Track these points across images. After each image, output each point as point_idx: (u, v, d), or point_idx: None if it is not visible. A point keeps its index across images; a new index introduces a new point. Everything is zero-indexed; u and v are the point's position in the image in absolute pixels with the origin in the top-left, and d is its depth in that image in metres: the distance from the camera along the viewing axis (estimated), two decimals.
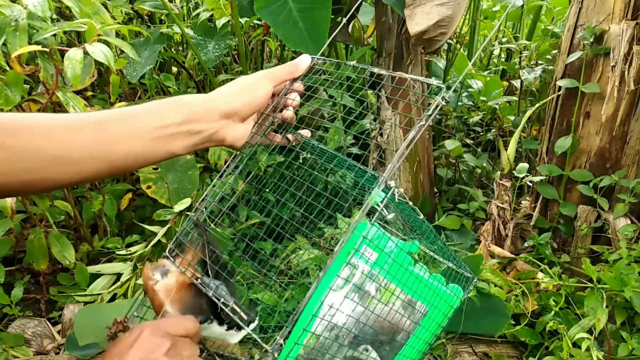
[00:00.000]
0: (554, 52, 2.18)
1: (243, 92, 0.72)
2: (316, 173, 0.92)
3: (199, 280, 0.71)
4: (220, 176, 0.82)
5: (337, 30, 0.98)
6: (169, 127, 0.66)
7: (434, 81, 0.69)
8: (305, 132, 0.82)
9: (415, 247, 0.78)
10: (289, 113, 0.78)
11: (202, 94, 0.72)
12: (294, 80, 0.79)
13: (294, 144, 0.81)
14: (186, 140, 0.68)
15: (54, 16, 1.68)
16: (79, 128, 0.61)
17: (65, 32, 1.58)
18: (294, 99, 0.79)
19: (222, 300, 0.68)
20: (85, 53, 1.30)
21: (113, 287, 1.51)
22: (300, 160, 0.82)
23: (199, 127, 0.68)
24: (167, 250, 0.79)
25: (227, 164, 0.82)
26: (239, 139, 0.74)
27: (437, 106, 0.66)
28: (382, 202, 0.68)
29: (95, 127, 0.62)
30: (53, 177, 0.60)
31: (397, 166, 0.70)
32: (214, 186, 0.83)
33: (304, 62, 0.80)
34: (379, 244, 0.74)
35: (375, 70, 0.79)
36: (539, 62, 2.25)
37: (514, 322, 1.45)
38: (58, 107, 1.70)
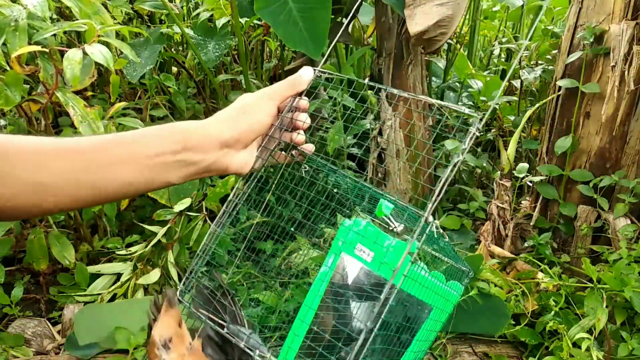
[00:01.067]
0: (554, 52, 2.18)
1: (243, 117, 0.67)
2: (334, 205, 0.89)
3: (226, 329, 0.68)
4: (218, 225, 0.78)
5: (339, 32, 0.95)
6: (161, 156, 0.61)
7: (466, 110, 0.66)
8: (309, 147, 0.76)
9: (413, 246, 0.78)
10: (300, 138, 0.74)
11: (200, 120, 0.66)
12: (299, 95, 0.74)
13: (298, 160, 0.77)
14: (182, 170, 0.63)
15: (54, 16, 1.68)
16: (65, 153, 0.57)
17: (65, 32, 1.58)
18: (304, 120, 0.74)
19: (257, 352, 0.65)
20: (85, 53, 1.30)
21: (113, 287, 1.51)
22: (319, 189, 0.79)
23: (196, 158, 0.63)
24: (179, 293, 0.76)
25: (222, 212, 0.77)
26: (243, 166, 0.70)
27: (471, 137, 0.63)
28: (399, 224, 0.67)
29: (82, 153, 0.57)
30: (29, 204, 0.55)
31: (436, 204, 0.68)
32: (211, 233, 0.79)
33: (305, 75, 0.74)
34: (376, 241, 0.74)
35: (405, 94, 0.73)
36: (539, 62, 2.25)
37: (514, 322, 1.44)
38: (58, 107, 1.70)
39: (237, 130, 0.66)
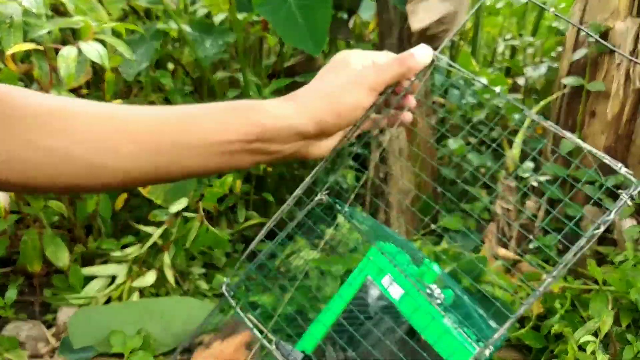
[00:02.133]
0: (559, 49, 2.15)
1: (333, 107, 0.57)
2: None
3: (274, 344, 0.63)
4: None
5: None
6: (235, 143, 0.54)
7: (623, 169, 0.54)
8: (407, 117, 0.67)
9: (450, 296, 0.72)
10: (408, 116, 0.66)
11: (280, 99, 0.58)
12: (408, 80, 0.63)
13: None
14: (256, 157, 0.57)
15: (49, 12, 1.66)
16: (131, 133, 0.50)
17: (60, 29, 1.56)
18: (411, 106, 0.65)
19: None
20: (80, 51, 1.28)
21: (108, 289, 1.48)
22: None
23: (272, 148, 0.57)
24: (225, 286, 0.70)
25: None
26: (324, 153, 0.63)
27: (621, 206, 0.52)
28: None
29: (150, 135, 0.51)
30: (91, 184, 0.50)
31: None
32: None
33: (420, 57, 0.63)
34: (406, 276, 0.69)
35: (535, 118, 0.64)
36: (544, 59, 2.23)
37: (518, 325, 1.42)
38: None
39: (322, 124, 0.58)
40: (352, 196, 0.69)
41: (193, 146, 0.53)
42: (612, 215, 0.51)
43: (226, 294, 0.67)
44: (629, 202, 0.51)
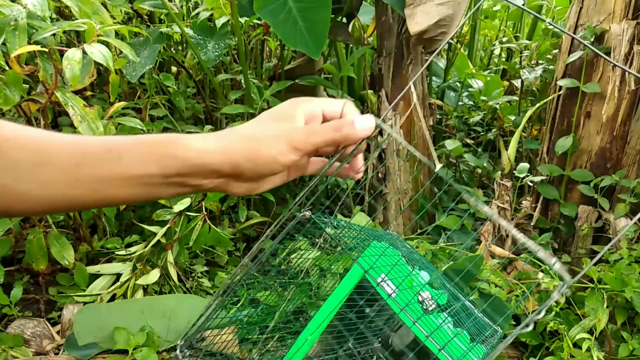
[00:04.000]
0: (555, 51, 2.17)
1: (250, 154, 0.57)
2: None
3: None
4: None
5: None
6: (154, 177, 0.55)
7: (558, 265, 0.54)
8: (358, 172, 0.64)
9: (443, 298, 0.74)
10: (357, 175, 0.64)
11: (207, 135, 0.57)
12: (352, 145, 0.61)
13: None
14: (177, 190, 0.57)
15: (53, 15, 1.68)
16: (54, 164, 0.52)
17: (64, 32, 1.58)
18: (358, 171, 0.63)
19: None
20: (84, 53, 1.30)
21: (112, 287, 1.50)
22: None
23: (193, 182, 0.57)
24: (179, 348, 0.69)
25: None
26: (250, 191, 0.61)
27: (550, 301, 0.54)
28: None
29: (73, 167, 0.52)
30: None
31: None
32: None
33: (360, 126, 0.60)
34: (399, 277, 0.71)
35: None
36: (540, 61, 2.25)
37: (514, 323, 1.44)
38: (57, 107, 1.70)
39: (238, 168, 0.57)
40: (349, 201, 0.70)
41: (113, 178, 0.54)
42: (541, 315, 0.53)
43: (179, 356, 0.65)
44: (561, 300, 0.52)
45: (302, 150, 0.58)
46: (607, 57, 0.58)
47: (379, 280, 0.70)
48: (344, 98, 1.96)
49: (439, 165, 0.59)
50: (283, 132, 0.58)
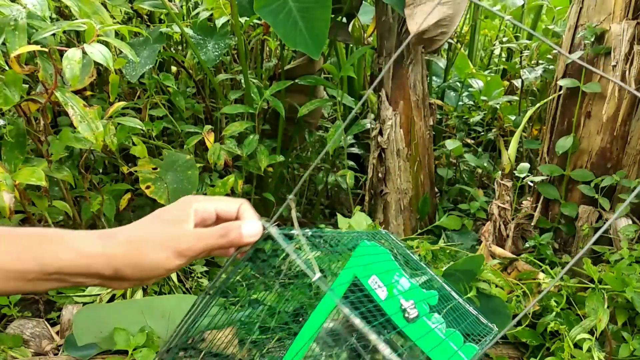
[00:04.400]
0: (555, 51, 2.17)
1: (134, 261, 0.56)
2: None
3: None
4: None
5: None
6: (31, 273, 0.53)
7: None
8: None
9: (434, 298, 0.73)
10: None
11: (94, 234, 0.57)
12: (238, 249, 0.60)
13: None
14: (56, 284, 0.56)
15: (53, 15, 1.68)
16: None
17: (64, 32, 1.57)
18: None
19: None
20: (84, 53, 1.29)
21: None
22: None
23: (74, 280, 0.56)
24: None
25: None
26: (140, 283, 0.60)
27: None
28: None
29: None
30: None
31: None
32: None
33: (247, 232, 0.59)
34: (390, 279, 0.70)
35: None
36: (540, 61, 2.25)
37: (515, 323, 1.44)
38: (57, 107, 1.69)
39: (120, 273, 0.56)
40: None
41: None
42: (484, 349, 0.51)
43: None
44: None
45: (188, 256, 0.57)
46: (606, 75, 0.58)
47: (371, 282, 0.70)
48: (343, 98, 1.97)
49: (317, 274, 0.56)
50: (170, 237, 0.57)
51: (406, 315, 0.68)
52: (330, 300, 0.72)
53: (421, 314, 0.69)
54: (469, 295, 1.38)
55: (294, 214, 0.57)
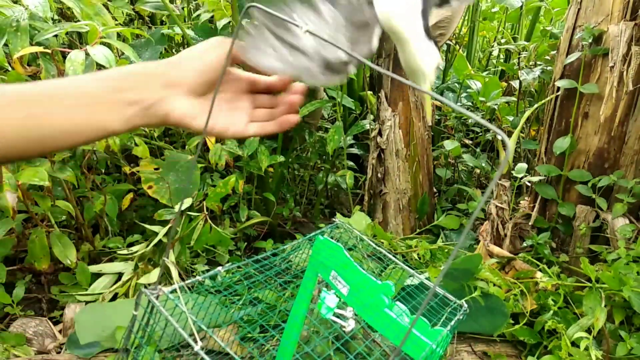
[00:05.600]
0: (553, 52, 2.19)
1: (191, 59, 0.61)
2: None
3: None
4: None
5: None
6: (99, 96, 0.57)
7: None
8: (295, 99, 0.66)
9: (389, 289, 0.74)
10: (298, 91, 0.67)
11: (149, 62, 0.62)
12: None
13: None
14: (122, 111, 0.58)
15: (55, 17, 1.69)
16: (12, 102, 0.53)
17: (66, 33, 1.59)
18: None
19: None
20: (87, 55, 1.31)
21: (114, 286, 1.51)
22: None
23: (135, 97, 0.58)
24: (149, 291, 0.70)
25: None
26: (187, 114, 0.61)
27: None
28: None
29: (24, 104, 0.54)
30: None
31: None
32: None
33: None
34: (347, 275, 0.71)
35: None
36: (538, 62, 2.26)
37: (512, 322, 1.45)
38: None
39: (181, 71, 0.60)
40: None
41: (60, 105, 0.56)
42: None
43: (151, 298, 0.63)
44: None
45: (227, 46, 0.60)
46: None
47: (331, 278, 0.71)
48: (343, 99, 1.98)
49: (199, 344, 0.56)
50: (214, 40, 0.62)
51: (341, 326, 0.70)
52: (309, 287, 0.74)
53: (381, 307, 0.70)
54: (473, 295, 1.39)
55: None
